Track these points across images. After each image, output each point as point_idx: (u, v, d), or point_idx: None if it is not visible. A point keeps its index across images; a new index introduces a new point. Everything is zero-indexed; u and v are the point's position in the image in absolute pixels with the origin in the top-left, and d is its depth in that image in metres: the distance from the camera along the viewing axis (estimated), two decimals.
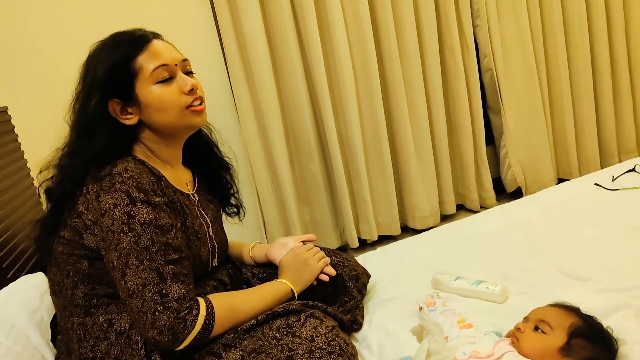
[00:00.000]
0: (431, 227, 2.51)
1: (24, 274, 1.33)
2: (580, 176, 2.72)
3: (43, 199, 1.09)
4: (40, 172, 1.09)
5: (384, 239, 2.55)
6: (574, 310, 0.97)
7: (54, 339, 1.13)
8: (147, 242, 0.96)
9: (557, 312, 0.97)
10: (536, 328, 0.95)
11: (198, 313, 0.97)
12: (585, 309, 0.99)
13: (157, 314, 0.93)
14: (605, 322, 0.98)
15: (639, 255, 1.25)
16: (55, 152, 1.07)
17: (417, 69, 2.45)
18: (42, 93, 2.01)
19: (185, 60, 1.10)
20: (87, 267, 1.02)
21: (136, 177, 0.99)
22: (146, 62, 1.04)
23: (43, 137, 1.17)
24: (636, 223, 1.40)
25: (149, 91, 1.04)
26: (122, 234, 0.95)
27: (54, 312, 1.14)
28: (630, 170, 1.75)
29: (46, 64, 2.01)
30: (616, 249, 1.31)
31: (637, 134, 2.94)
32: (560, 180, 2.79)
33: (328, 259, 1.26)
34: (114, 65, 1.03)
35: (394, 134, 2.52)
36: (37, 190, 1.18)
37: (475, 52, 2.57)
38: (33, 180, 1.73)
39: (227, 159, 1.31)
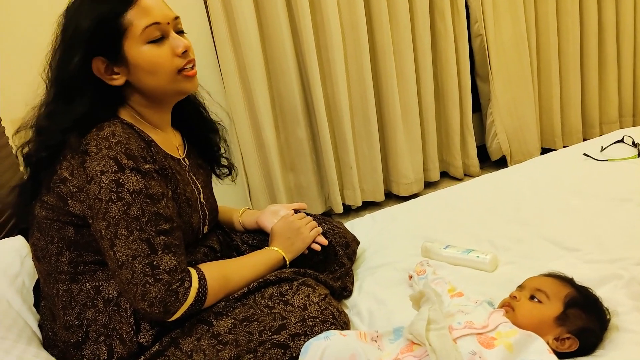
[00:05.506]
0: (415, 194, 2.52)
1: (2, 237, 1.27)
2: (563, 146, 2.74)
3: (21, 160, 1.03)
4: (17, 132, 1.03)
5: (368, 205, 2.55)
6: (568, 281, 0.98)
7: (37, 305, 1.09)
8: (137, 212, 0.91)
9: (552, 282, 0.97)
10: (532, 297, 0.95)
11: (190, 285, 0.94)
12: (576, 280, 1.00)
13: (147, 286, 0.90)
14: (596, 293, 0.98)
15: (628, 226, 1.25)
16: (31, 111, 1.00)
17: (406, 32, 2.39)
18: (15, 42, 1.88)
19: (177, 18, 1.02)
20: (73, 234, 0.98)
21: (124, 142, 0.93)
22: (136, 18, 0.95)
23: (17, 92, 1.09)
24: (624, 194, 1.40)
25: (139, 51, 0.96)
26: (110, 203, 0.91)
27: (37, 277, 1.10)
28: (618, 141, 1.75)
29: (22, 11, 1.88)
30: (605, 219, 1.31)
31: (620, 105, 2.95)
32: (544, 150, 2.81)
33: (320, 229, 1.24)
34: (100, 20, 0.94)
35: (381, 99, 2.47)
36: (14, 152, 1.11)
37: (466, 17, 2.51)
38: (8, 139, 1.64)
39: (217, 122, 1.25)
